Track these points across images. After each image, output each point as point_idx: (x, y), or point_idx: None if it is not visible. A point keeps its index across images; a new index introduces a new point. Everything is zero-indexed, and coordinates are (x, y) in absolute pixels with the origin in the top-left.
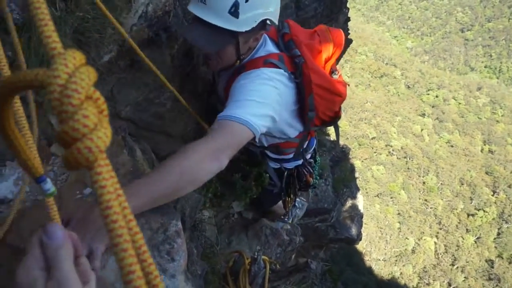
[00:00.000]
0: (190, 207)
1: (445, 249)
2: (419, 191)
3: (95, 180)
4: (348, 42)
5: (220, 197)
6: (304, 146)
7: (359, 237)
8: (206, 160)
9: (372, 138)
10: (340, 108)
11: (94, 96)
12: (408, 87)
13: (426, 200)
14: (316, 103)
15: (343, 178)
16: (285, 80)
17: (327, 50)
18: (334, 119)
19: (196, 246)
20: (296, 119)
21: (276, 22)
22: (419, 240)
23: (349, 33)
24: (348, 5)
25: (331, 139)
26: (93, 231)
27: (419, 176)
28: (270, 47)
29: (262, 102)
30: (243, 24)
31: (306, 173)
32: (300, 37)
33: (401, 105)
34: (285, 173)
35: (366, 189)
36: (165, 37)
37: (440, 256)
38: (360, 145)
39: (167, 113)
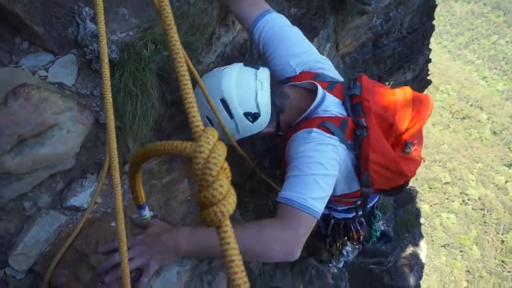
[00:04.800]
0: None
1: None
2: (496, 250)
3: (222, 237)
4: (427, 82)
5: None
6: (359, 203)
7: None
8: (284, 250)
9: (445, 183)
10: (406, 181)
11: (224, 166)
12: (495, 133)
13: (503, 261)
14: (373, 179)
15: (407, 222)
16: (340, 147)
17: (403, 121)
18: (397, 190)
19: None
20: (353, 178)
21: (258, 131)
22: None
23: (428, 74)
24: (432, 44)
25: None
26: (157, 251)
27: (497, 233)
28: (331, 106)
29: (326, 175)
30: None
31: (352, 228)
32: (372, 101)
33: (484, 152)
34: (332, 221)
35: (432, 236)
36: None
37: None
38: (430, 188)
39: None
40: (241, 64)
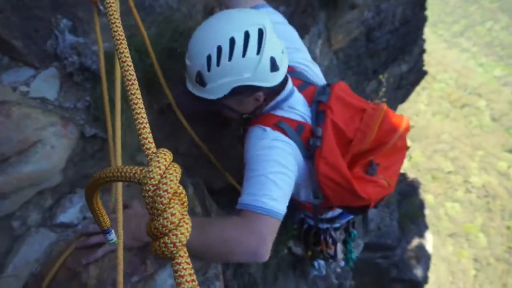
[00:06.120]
0: None
1: None
2: (502, 236)
3: (175, 270)
4: (423, 73)
5: None
6: (327, 216)
7: (425, 279)
8: (247, 251)
9: (448, 172)
10: (372, 204)
11: (179, 190)
12: (494, 119)
13: (510, 247)
14: (325, 193)
15: (411, 214)
16: (296, 149)
17: (363, 140)
18: (360, 209)
19: (238, 284)
20: (309, 187)
21: (267, 84)
22: None
23: (423, 65)
24: (427, 33)
25: (401, 171)
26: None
27: (502, 219)
28: (297, 105)
29: (282, 172)
30: (211, 92)
31: (322, 239)
32: (336, 112)
33: (484, 139)
34: (304, 225)
35: (437, 227)
36: None
37: None
38: (434, 178)
39: (225, 149)
40: None
